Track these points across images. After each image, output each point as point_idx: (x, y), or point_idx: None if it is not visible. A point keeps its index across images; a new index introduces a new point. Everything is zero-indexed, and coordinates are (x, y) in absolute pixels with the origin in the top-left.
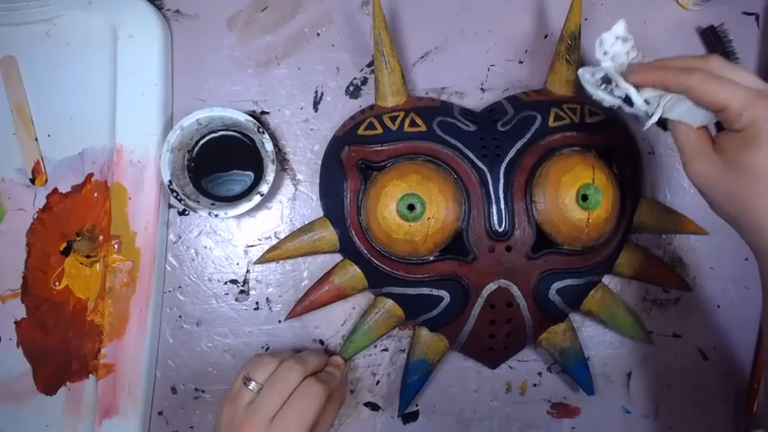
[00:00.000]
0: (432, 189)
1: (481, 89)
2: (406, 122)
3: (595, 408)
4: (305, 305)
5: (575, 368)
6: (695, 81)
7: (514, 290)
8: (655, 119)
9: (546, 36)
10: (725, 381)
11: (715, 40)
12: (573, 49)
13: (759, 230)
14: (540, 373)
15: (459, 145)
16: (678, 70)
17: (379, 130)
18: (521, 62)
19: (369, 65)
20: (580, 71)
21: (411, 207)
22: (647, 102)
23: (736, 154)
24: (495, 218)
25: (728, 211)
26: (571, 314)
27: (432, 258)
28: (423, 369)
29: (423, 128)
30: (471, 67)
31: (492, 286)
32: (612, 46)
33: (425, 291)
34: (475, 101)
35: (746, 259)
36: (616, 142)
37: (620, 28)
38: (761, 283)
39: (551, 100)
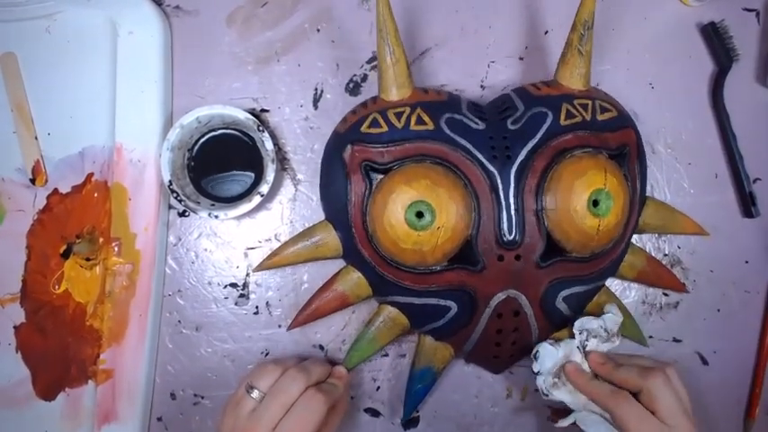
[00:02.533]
0: (441, 195)
1: (481, 86)
2: (413, 120)
3: None
4: (307, 314)
5: None
6: (623, 409)
7: (522, 299)
8: (562, 423)
9: (546, 32)
10: (725, 386)
11: (715, 37)
12: (586, 40)
13: None
14: None
15: (469, 146)
16: (612, 393)
17: (384, 129)
18: (521, 59)
19: (369, 61)
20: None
21: (420, 215)
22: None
23: None
24: (506, 225)
25: None
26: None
27: (439, 268)
28: (428, 377)
29: (430, 126)
30: (471, 64)
31: (500, 296)
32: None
33: (432, 301)
34: (474, 98)
35: (747, 262)
36: (627, 142)
37: (610, 319)
38: None
39: (562, 94)
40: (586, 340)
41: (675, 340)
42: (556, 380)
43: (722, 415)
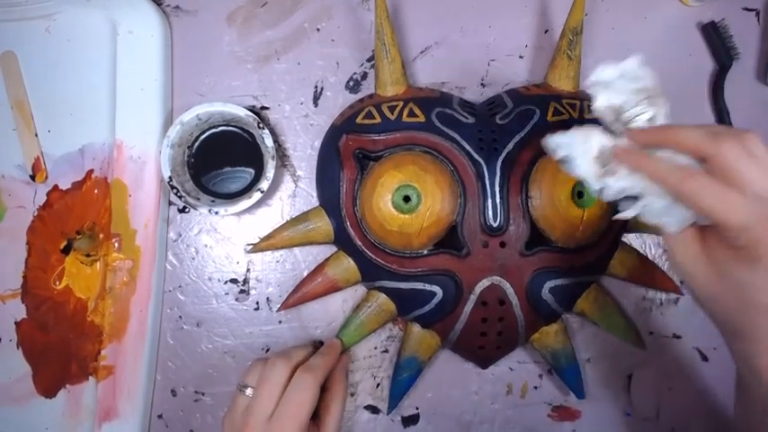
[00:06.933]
0: (428, 181)
1: (481, 84)
2: (405, 112)
3: (596, 411)
4: (297, 297)
5: (566, 371)
6: (693, 189)
7: (507, 287)
8: (627, 215)
9: (546, 31)
10: (725, 382)
11: (716, 36)
12: (574, 45)
13: (745, 346)
14: (540, 376)
15: (457, 137)
16: (676, 171)
17: (378, 120)
18: (521, 57)
19: (369, 59)
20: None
21: (407, 199)
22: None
23: (728, 265)
24: (491, 212)
25: (713, 311)
26: (571, 316)
27: (425, 252)
28: (413, 366)
29: (421, 118)
30: (471, 63)
31: (485, 283)
32: (611, 82)
33: (418, 286)
34: (475, 96)
35: None
36: None
37: (631, 64)
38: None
39: (551, 95)
40: (616, 120)
41: (675, 336)
42: (603, 169)
43: (722, 411)
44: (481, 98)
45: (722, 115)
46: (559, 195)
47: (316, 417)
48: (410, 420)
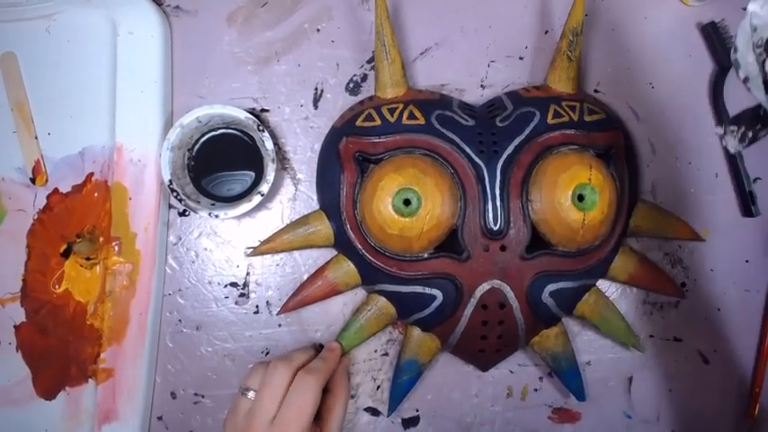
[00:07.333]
0: (428, 184)
1: (481, 86)
2: (405, 115)
3: (596, 413)
4: (297, 300)
5: (566, 373)
6: None
7: (507, 291)
8: None
9: (546, 32)
10: (726, 385)
11: (716, 37)
12: (574, 46)
13: None
14: (540, 378)
15: (457, 139)
16: None
17: (378, 122)
18: (521, 58)
19: (369, 61)
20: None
21: (407, 202)
22: None
23: None
24: (491, 215)
25: None
26: (570, 318)
27: (426, 256)
28: (413, 369)
29: (421, 121)
30: (471, 64)
31: (485, 286)
32: None
33: (418, 289)
34: (475, 98)
35: (747, 261)
36: (614, 142)
37: None
38: None
39: (551, 96)
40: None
41: (676, 339)
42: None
43: (722, 413)
44: (481, 100)
45: (722, 116)
46: (560, 198)
47: (318, 418)
48: (410, 422)
